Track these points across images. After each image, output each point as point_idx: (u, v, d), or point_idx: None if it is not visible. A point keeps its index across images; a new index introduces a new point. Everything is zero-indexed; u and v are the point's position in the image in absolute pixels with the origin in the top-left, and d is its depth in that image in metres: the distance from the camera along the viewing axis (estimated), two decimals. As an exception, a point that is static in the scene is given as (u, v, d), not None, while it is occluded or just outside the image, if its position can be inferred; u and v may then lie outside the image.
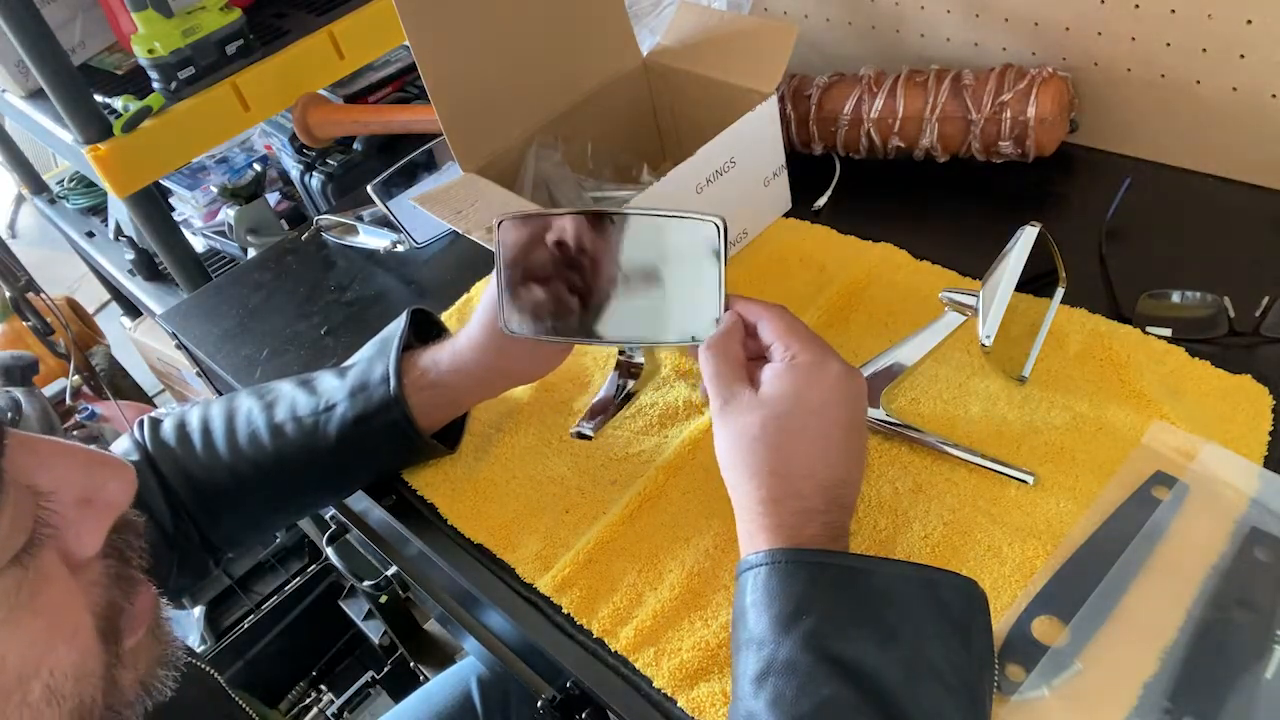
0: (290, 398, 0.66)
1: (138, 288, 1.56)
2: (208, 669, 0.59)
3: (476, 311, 0.64)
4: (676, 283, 0.56)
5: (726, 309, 0.54)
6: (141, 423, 0.67)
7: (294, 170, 1.36)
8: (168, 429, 0.67)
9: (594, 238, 0.57)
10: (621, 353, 0.72)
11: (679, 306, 0.56)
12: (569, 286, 0.59)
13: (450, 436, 0.70)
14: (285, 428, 0.64)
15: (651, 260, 0.57)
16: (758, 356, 0.53)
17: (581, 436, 0.68)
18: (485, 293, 0.64)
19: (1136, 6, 0.72)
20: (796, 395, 0.50)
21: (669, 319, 0.57)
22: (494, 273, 0.59)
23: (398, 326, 0.67)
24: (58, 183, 1.88)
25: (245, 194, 1.33)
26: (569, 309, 0.59)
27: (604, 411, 0.69)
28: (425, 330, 0.71)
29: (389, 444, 0.65)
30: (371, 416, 0.64)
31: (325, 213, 1.06)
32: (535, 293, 0.59)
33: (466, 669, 0.96)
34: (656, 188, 0.71)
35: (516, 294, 0.59)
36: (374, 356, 0.66)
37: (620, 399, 0.70)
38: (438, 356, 0.65)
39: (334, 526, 0.89)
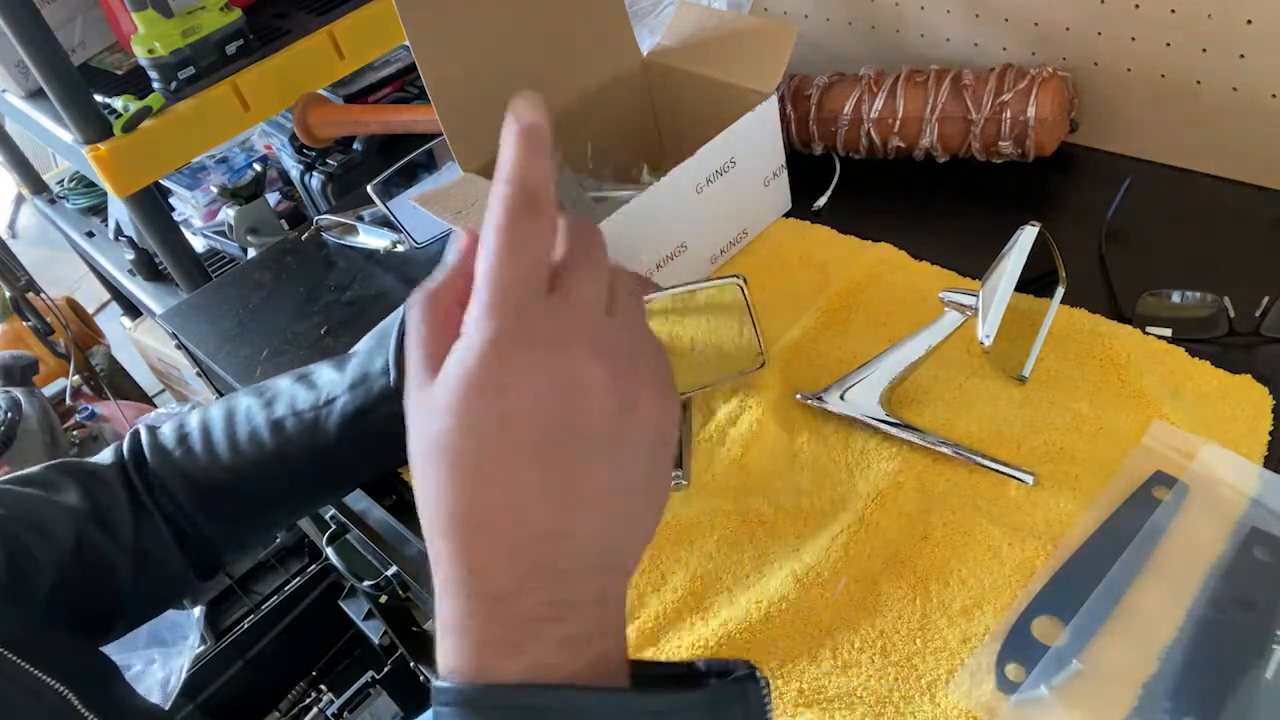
0: (289, 393, 0.66)
1: (138, 288, 1.56)
2: None
3: None
4: (718, 332, 0.59)
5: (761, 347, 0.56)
6: (136, 432, 0.67)
7: (294, 170, 1.35)
8: (167, 433, 0.66)
9: None
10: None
11: (724, 351, 0.60)
12: None
13: None
14: (285, 423, 0.64)
15: (686, 321, 0.60)
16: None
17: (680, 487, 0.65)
18: None
19: (1136, 6, 0.72)
20: (473, 385, 0.30)
21: (719, 362, 0.60)
22: None
23: (396, 318, 0.67)
24: (58, 183, 1.88)
25: (245, 194, 1.33)
26: None
27: (680, 452, 0.65)
28: None
29: (390, 436, 0.65)
30: (372, 408, 0.64)
31: (325, 213, 1.06)
32: None
33: None
34: (656, 188, 0.71)
35: None
36: (373, 349, 0.66)
37: (688, 436, 0.67)
38: None
39: (334, 526, 0.89)
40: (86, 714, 0.55)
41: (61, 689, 0.55)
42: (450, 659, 0.31)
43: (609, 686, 0.31)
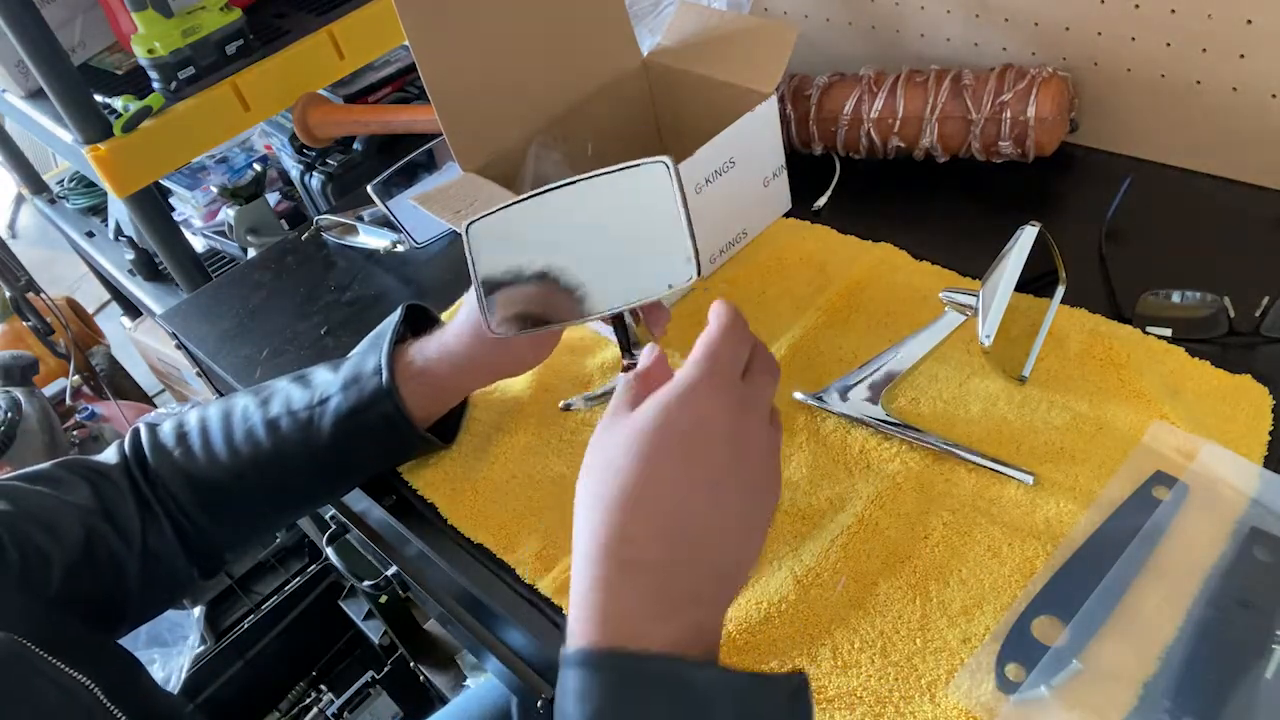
0: (285, 393, 0.66)
1: (138, 288, 1.56)
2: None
3: (462, 306, 0.65)
4: (645, 235, 0.54)
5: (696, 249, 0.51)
6: (136, 431, 0.67)
7: (294, 170, 1.36)
8: (167, 431, 0.67)
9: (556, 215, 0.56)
10: (627, 355, 0.69)
11: (651, 259, 0.54)
12: (546, 272, 0.57)
13: (446, 431, 0.70)
14: (280, 423, 0.65)
15: (614, 220, 0.55)
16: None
17: (567, 408, 0.71)
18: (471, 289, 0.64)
19: (1136, 6, 0.72)
20: (666, 415, 0.41)
21: (645, 274, 0.54)
22: (471, 277, 0.57)
23: (392, 320, 0.68)
24: (58, 183, 1.88)
25: (245, 194, 1.33)
26: (550, 295, 0.57)
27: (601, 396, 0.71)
28: (422, 325, 0.71)
29: (383, 436, 0.65)
30: (365, 408, 0.64)
31: (325, 213, 1.06)
32: (514, 288, 0.58)
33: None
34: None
35: (496, 293, 0.58)
36: (367, 350, 0.67)
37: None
38: (425, 347, 0.66)
39: (334, 526, 0.89)
40: (112, 708, 0.56)
41: (88, 683, 0.55)
42: (593, 631, 0.39)
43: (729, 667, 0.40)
